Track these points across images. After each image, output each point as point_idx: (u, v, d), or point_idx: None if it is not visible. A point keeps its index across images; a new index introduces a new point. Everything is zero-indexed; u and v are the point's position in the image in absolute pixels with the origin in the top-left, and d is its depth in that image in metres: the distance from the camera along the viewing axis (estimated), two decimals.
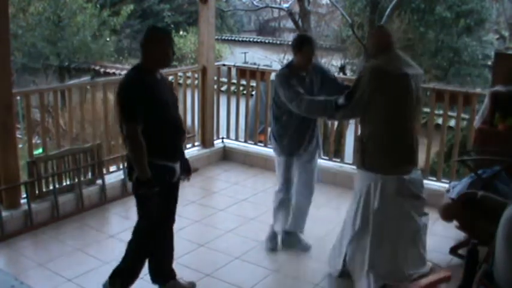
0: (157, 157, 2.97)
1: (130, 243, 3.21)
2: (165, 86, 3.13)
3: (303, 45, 3.69)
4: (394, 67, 3.34)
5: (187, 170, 3.33)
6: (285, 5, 12.33)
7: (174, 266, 3.35)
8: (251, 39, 16.99)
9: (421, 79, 3.47)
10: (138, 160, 2.89)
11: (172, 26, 15.74)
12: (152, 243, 3.21)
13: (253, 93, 6.81)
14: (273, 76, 5.09)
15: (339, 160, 5.61)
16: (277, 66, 12.39)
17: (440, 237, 4.27)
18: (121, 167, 5.05)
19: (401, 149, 3.40)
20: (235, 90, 6.60)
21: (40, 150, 5.39)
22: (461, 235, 4.07)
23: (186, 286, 3.41)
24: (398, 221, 3.42)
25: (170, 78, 6.01)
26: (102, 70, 12.62)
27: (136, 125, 2.86)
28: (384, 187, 3.36)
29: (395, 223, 3.41)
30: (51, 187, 4.46)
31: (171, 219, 3.30)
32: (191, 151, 5.83)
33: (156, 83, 3.00)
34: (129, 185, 4.96)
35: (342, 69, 12.10)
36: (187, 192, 5.19)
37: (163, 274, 3.35)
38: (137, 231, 3.18)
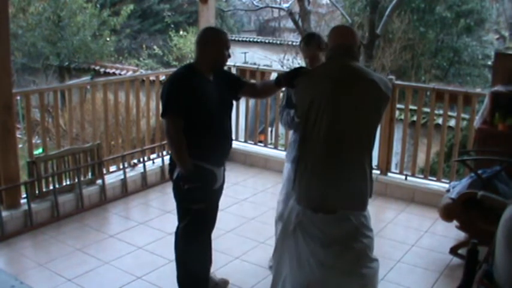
0: (195, 158, 2.87)
1: (177, 250, 3.18)
2: (217, 89, 2.97)
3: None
4: (315, 76, 2.71)
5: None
6: (285, 5, 12.32)
7: (174, 265, 3.33)
8: (251, 39, 17.00)
9: (364, 94, 2.58)
10: (177, 153, 2.84)
11: (172, 26, 15.75)
12: (200, 245, 3.17)
13: None
14: (273, 76, 5.04)
15: None
16: (277, 66, 12.47)
17: (440, 237, 4.28)
18: (121, 166, 5.04)
19: (311, 176, 2.64)
20: None
21: (40, 150, 5.39)
22: (461, 235, 4.07)
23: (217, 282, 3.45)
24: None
25: None
26: (102, 70, 12.61)
27: (174, 119, 2.80)
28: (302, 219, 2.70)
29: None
30: (51, 187, 4.46)
31: (212, 225, 3.31)
32: None
33: (204, 84, 2.91)
34: (129, 185, 5.03)
35: None
36: None
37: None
38: (183, 235, 3.11)
